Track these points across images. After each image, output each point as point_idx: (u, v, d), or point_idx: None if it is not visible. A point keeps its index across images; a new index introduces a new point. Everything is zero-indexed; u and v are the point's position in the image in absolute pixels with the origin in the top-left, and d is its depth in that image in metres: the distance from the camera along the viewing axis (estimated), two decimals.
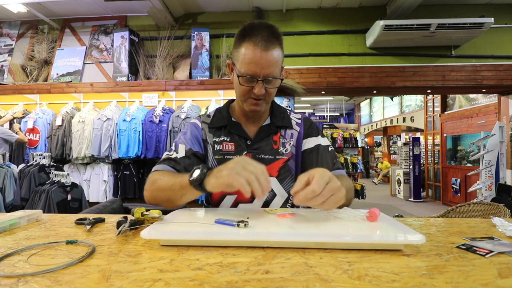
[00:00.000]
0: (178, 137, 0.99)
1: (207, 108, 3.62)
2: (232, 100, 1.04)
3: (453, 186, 6.08)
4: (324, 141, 0.98)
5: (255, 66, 0.82)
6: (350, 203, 0.85)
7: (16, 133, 3.54)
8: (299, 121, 1.02)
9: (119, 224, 0.65)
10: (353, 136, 9.76)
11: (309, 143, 0.97)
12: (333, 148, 0.99)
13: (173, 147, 0.95)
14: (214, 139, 0.97)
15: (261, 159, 0.93)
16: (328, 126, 10.15)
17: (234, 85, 0.91)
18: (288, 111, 1.04)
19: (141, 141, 3.47)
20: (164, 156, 0.94)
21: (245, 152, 0.94)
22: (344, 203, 0.81)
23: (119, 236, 0.63)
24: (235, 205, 0.93)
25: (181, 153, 0.92)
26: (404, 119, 9.29)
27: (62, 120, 3.60)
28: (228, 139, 0.96)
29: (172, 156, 0.92)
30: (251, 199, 0.92)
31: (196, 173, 0.71)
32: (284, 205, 0.93)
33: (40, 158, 3.13)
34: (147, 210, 0.68)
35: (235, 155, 0.94)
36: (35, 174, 2.98)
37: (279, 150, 0.95)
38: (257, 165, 0.66)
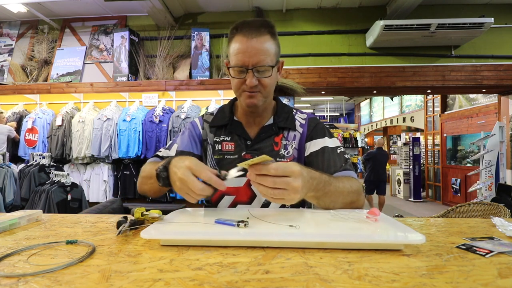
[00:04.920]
0: (177, 135, 1.01)
1: (207, 108, 3.62)
2: (237, 98, 1.03)
3: (453, 186, 6.08)
4: (332, 142, 0.93)
5: (244, 55, 0.81)
6: (354, 208, 0.81)
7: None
8: (303, 121, 0.97)
9: (119, 224, 0.65)
10: (353, 136, 9.77)
11: (315, 145, 0.92)
12: (343, 150, 0.92)
13: (167, 145, 1.00)
14: (214, 139, 0.96)
15: None
16: (328, 126, 10.14)
17: (231, 82, 0.90)
18: (294, 111, 1.00)
19: (141, 141, 3.48)
20: (157, 152, 0.98)
21: (244, 152, 0.93)
22: (329, 205, 0.77)
23: (119, 236, 0.63)
24: (233, 205, 0.93)
25: (172, 153, 0.95)
26: (404, 119, 9.29)
27: (62, 120, 3.60)
28: (228, 139, 0.95)
29: (160, 154, 0.96)
30: (250, 200, 0.92)
31: (160, 169, 0.73)
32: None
33: (40, 158, 3.13)
34: (147, 210, 0.68)
35: (235, 155, 0.93)
36: (35, 174, 2.98)
37: (280, 153, 0.92)
38: (185, 177, 0.65)
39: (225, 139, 0.95)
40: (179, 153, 0.93)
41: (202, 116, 1.03)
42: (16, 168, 3.19)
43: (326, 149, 0.91)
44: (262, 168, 0.61)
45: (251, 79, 0.83)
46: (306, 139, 0.95)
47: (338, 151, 0.92)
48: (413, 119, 8.67)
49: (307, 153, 0.93)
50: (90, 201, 3.57)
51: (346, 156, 0.92)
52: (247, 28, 0.82)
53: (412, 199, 6.78)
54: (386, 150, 8.39)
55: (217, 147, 0.95)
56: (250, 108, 0.90)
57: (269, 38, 0.83)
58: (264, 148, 0.93)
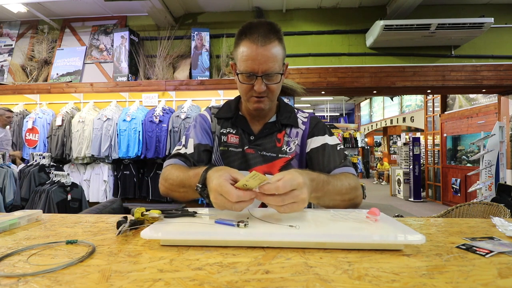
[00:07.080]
0: (188, 129, 1.01)
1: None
2: None
3: (453, 186, 6.08)
4: (332, 140, 0.96)
5: (253, 62, 0.81)
6: (354, 204, 0.83)
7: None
8: (305, 119, 1.00)
9: (119, 224, 0.65)
10: (353, 136, 9.77)
11: (315, 142, 0.95)
12: (342, 147, 0.96)
13: (183, 141, 0.97)
14: (221, 131, 0.98)
15: (262, 156, 0.93)
16: (328, 126, 10.16)
17: (237, 85, 0.91)
18: (296, 110, 1.03)
19: (141, 141, 3.47)
20: (174, 150, 0.96)
21: (247, 147, 0.95)
22: (329, 203, 0.78)
23: (119, 236, 0.63)
24: None
25: (190, 148, 0.94)
26: (404, 119, 9.29)
27: (62, 120, 3.60)
28: (233, 132, 0.97)
29: (182, 152, 0.94)
30: None
31: (199, 188, 0.71)
32: None
33: (40, 158, 3.13)
34: (147, 210, 0.68)
35: (239, 149, 0.95)
36: (35, 174, 2.97)
37: (282, 149, 0.95)
38: (220, 187, 0.63)
39: (231, 131, 0.98)
40: (197, 146, 0.94)
41: (210, 108, 1.04)
42: (16, 168, 3.19)
43: (326, 146, 0.94)
44: (267, 189, 0.61)
45: (260, 85, 0.84)
46: (308, 136, 0.98)
47: (338, 148, 0.95)
48: (413, 119, 8.66)
49: (308, 149, 0.96)
50: (90, 201, 3.57)
51: (345, 152, 0.95)
52: (256, 34, 0.81)
53: (412, 199, 6.78)
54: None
55: (223, 138, 0.97)
56: (257, 112, 0.93)
57: (277, 44, 0.83)
58: (267, 144, 0.95)
